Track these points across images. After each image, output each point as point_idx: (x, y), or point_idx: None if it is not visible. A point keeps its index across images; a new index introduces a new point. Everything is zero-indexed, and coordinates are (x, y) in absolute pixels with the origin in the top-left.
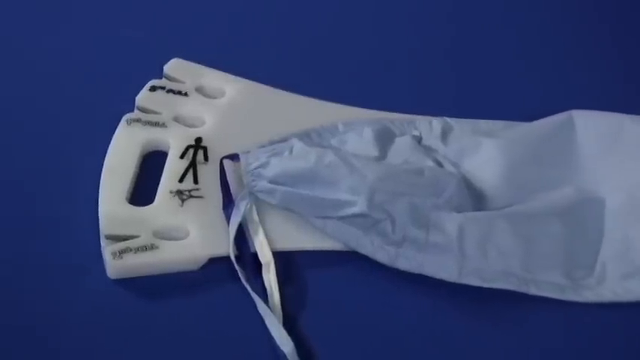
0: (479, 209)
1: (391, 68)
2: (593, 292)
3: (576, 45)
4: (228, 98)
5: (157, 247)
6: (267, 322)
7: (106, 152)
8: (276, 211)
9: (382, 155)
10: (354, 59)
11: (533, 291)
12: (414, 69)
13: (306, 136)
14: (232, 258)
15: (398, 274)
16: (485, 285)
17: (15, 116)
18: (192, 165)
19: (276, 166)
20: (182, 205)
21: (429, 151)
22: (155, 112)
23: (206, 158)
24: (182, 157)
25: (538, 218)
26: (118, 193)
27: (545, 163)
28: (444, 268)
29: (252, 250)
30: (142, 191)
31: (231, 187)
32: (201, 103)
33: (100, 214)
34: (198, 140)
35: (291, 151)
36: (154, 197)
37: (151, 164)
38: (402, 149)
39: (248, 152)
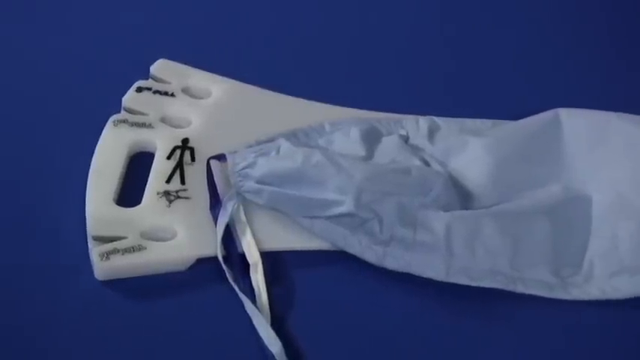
0: (466, 208)
1: (378, 68)
2: (581, 289)
3: (565, 43)
4: (214, 99)
5: (144, 248)
6: (255, 322)
7: (92, 153)
8: (263, 211)
9: (369, 155)
10: (340, 59)
11: (520, 289)
12: (401, 68)
13: (293, 136)
14: (220, 258)
15: (386, 274)
16: (473, 284)
17: (1, 118)
18: (179, 166)
19: (264, 166)
20: (169, 206)
21: (416, 150)
22: (142, 113)
23: (193, 159)
24: (169, 157)
25: (525, 216)
26: (105, 194)
27: (532, 161)
28: (431, 267)
29: (239, 250)
30: (129, 192)
31: (218, 188)
32: (188, 104)
33: (87, 216)
34: (185, 141)
35: (278, 151)
36: (141, 198)
37: (138, 165)
38: (389, 149)
39: (235, 152)
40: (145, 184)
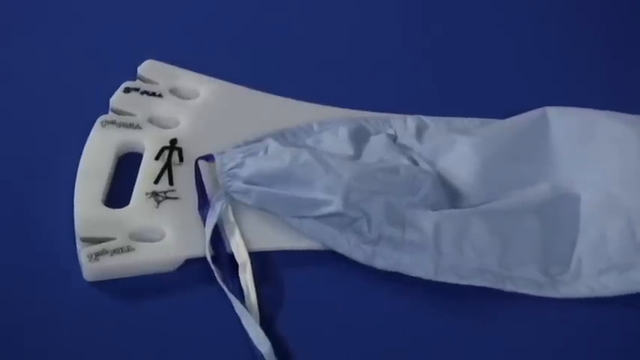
0: (454, 207)
1: (366, 67)
2: (570, 287)
3: (554, 42)
4: (202, 99)
5: (133, 249)
6: (244, 322)
7: (80, 154)
8: (251, 211)
9: (357, 154)
10: (328, 59)
11: (509, 287)
12: (389, 68)
13: (281, 136)
14: (208, 259)
15: (374, 273)
16: (462, 282)
17: None
18: (168, 166)
19: (252, 167)
20: (158, 207)
21: (404, 149)
22: (129, 114)
23: (181, 159)
24: (157, 158)
25: (514, 215)
26: (94, 195)
27: (521, 159)
28: (420, 266)
29: (228, 250)
30: (118, 193)
31: (206, 188)
32: (176, 104)
33: (75, 217)
34: (173, 141)
35: (266, 151)
36: (130, 199)
37: (126, 166)
38: (377, 148)
39: (223, 153)
40: (134, 185)
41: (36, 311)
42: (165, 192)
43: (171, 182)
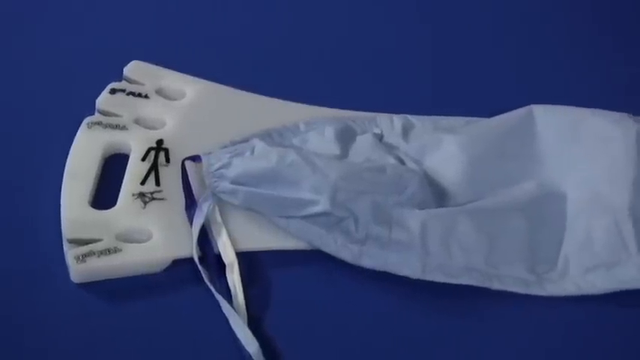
0: (441, 206)
1: (352, 67)
2: (557, 285)
3: (541, 40)
4: (188, 99)
5: (120, 250)
6: (231, 322)
7: (67, 156)
8: (238, 211)
9: (344, 154)
10: (314, 59)
11: (497, 286)
12: (375, 67)
13: (267, 136)
14: (196, 259)
15: (362, 272)
16: (449, 281)
17: None
18: (154, 167)
19: (238, 167)
20: (144, 208)
21: (390, 148)
22: (116, 115)
23: (168, 160)
24: (144, 159)
25: (500, 213)
26: (80, 196)
27: (507, 158)
28: (407, 265)
29: (215, 251)
30: (104, 194)
31: (193, 189)
32: (162, 105)
33: (62, 218)
34: (160, 142)
35: (252, 152)
36: (117, 200)
37: (113, 167)
38: (363, 147)
39: (210, 153)
40: (120, 186)
41: (23, 313)
42: (152, 193)
43: (157, 183)
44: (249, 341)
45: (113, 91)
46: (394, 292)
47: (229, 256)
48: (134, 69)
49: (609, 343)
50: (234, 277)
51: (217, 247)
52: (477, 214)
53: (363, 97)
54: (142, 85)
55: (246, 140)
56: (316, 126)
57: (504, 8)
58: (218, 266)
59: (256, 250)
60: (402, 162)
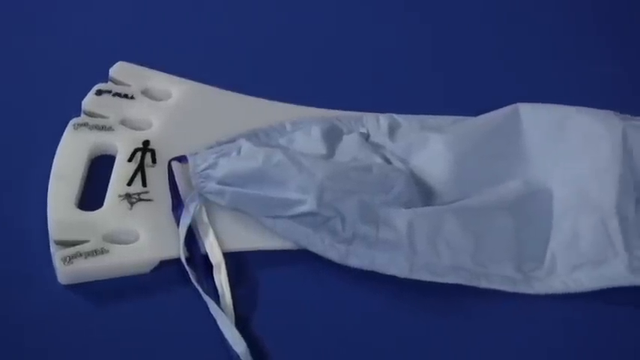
0: (428, 205)
1: (338, 66)
2: (544, 283)
3: (529, 39)
4: (174, 100)
5: (107, 252)
6: (219, 322)
7: (53, 157)
8: (225, 211)
9: (330, 153)
10: (300, 59)
11: (484, 284)
12: (361, 67)
13: (254, 136)
14: (183, 260)
15: (349, 272)
16: (437, 280)
17: None
18: (141, 168)
19: (225, 167)
20: (131, 209)
21: (376, 147)
22: (102, 116)
23: (154, 161)
24: (130, 160)
25: (487, 212)
26: (67, 198)
27: (493, 156)
28: (394, 264)
29: (202, 251)
30: (91, 196)
31: (180, 189)
32: (148, 106)
33: (49, 220)
34: (146, 143)
35: (239, 152)
36: (103, 201)
37: (99, 168)
38: (349, 147)
39: (196, 154)
40: (107, 187)
41: (10, 315)
42: (138, 194)
43: (144, 184)
44: (236, 341)
45: (99, 92)
46: (381, 292)
47: (216, 257)
48: (120, 70)
49: (597, 341)
50: (221, 278)
51: (204, 247)
52: (463, 213)
53: (350, 96)
54: (128, 86)
55: (232, 140)
56: (303, 126)
57: (489, 8)
58: (205, 267)
59: (243, 250)
60: (388, 161)
